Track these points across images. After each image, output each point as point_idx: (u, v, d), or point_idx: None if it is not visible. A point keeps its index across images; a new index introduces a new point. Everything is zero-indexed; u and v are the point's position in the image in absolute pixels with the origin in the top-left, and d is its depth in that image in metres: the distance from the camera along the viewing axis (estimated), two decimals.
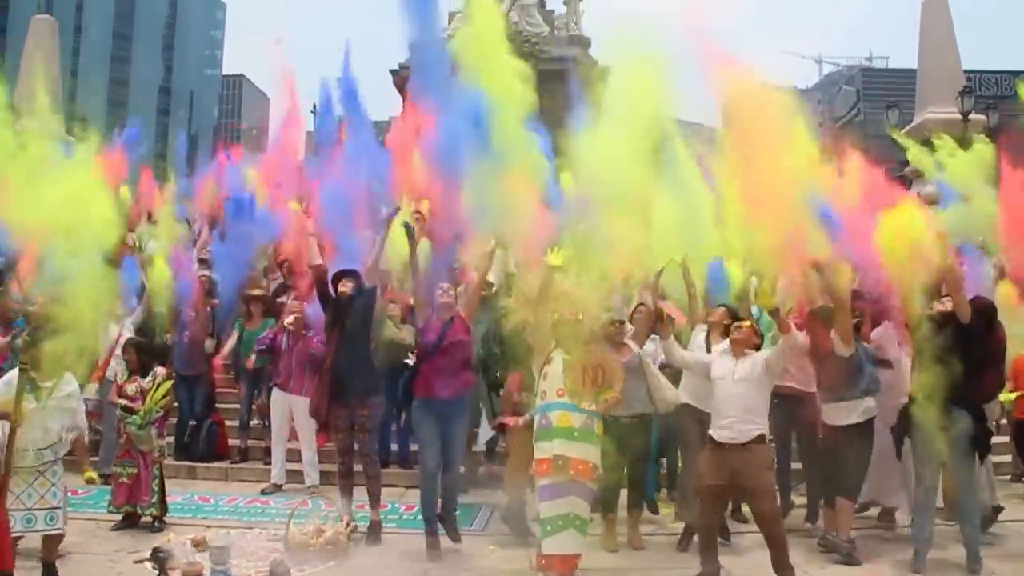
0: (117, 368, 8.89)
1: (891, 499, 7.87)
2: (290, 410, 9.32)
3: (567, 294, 6.39)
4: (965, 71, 22.08)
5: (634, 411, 7.27)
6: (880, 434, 7.23)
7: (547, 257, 6.23)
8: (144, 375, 8.14)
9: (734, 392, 6.38)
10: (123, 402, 8.01)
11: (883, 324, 7.67)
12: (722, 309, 7.55)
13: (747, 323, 6.82)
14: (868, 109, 73.28)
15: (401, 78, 20.71)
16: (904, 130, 22.14)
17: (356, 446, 7.71)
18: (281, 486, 9.35)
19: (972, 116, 20.07)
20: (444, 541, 7.18)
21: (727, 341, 6.77)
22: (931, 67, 21.43)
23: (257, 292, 10.88)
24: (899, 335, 7.47)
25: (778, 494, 7.23)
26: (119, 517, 7.91)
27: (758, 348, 6.63)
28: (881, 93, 68.65)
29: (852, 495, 7.14)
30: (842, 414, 7.06)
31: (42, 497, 6.22)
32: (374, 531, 7.52)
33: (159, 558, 6.44)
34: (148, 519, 7.89)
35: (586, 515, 6.16)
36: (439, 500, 7.27)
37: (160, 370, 8.28)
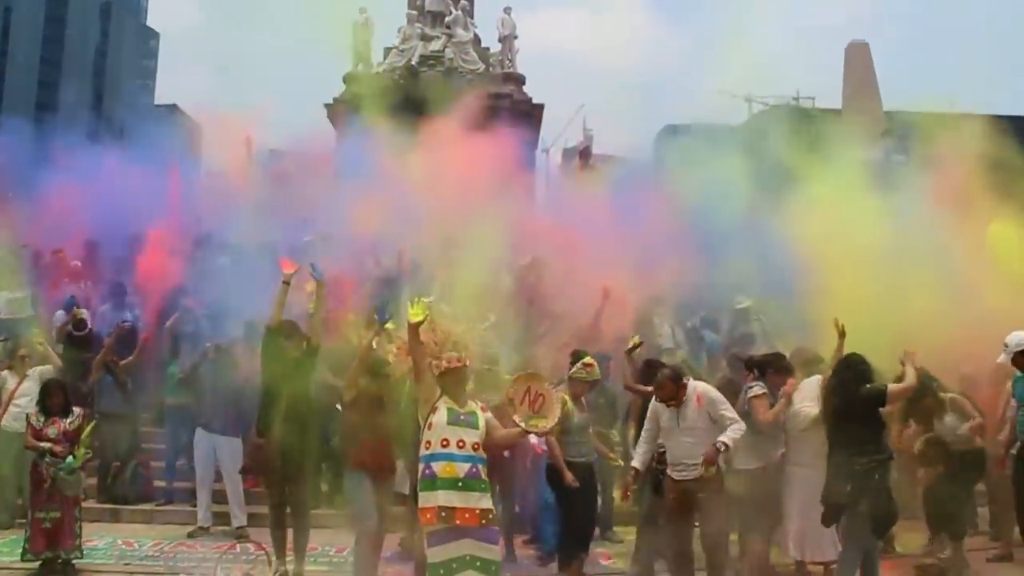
0: (28, 411, 8.42)
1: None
2: (215, 450, 9.11)
3: (454, 341, 6.42)
4: (888, 112, 22.82)
5: (584, 459, 7.52)
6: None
7: (409, 313, 6.20)
8: (64, 416, 7.90)
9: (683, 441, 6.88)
10: (47, 445, 7.73)
11: None
12: None
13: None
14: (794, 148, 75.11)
15: (335, 111, 20.71)
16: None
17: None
18: (208, 528, 9.11)
19: (893, 157, 20.70)
20: None
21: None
22: (854, 108, 22.17)
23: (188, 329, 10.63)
24: None
25: None
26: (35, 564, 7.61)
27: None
28: (807, 132, 70.24)
29: None
30: None
31: None
32: None
33: None
34: (60, 564, 7.63)
35: (490, 555, 6.02)
36: None
37: (78, 410, 8.05)
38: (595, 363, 7.86)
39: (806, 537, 7.42)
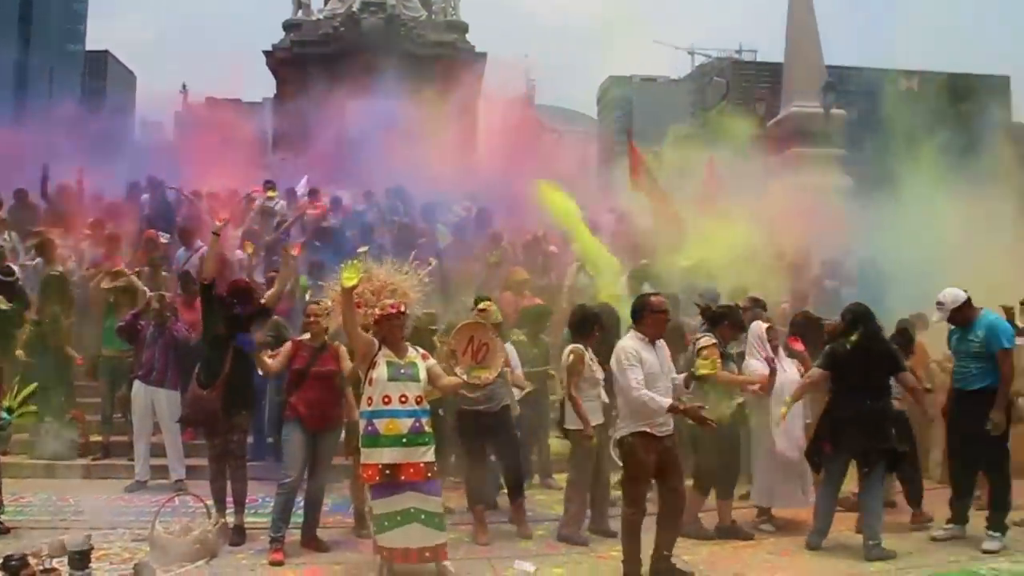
0: None
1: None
2: (152, 403, 8.97)
3: (392, 288, 6.37)
4: (829, 66, 22.94)
5: (497, 404, 7.46)
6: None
7: (341, 278, 6.08)
8: None
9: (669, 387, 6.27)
10: None
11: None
12: None
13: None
14: (736, 101, 75.38)
15: (275, 59, 20.27)
16: (770, 123, 23.02)
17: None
18: (146, 483, 9.00)
19: (833, 111, 20.86)
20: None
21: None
22: (796, 61, 22.22)
23: (123, 283, 10.33)
24: None
25: None
26: None
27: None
28: (749, 86, 71.25)
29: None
30: None
31: None
32: (238, 533, 7.27)
33: (11, 566, 6.05)
34: None
35: (434, 507, 6.06)
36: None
37: None
38: (489, 307, 7.73)
39: (776, 487, 7.63)
